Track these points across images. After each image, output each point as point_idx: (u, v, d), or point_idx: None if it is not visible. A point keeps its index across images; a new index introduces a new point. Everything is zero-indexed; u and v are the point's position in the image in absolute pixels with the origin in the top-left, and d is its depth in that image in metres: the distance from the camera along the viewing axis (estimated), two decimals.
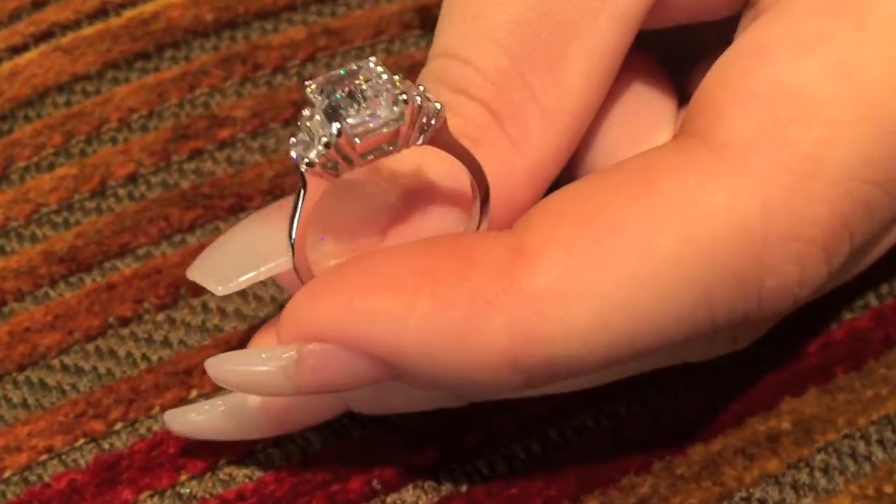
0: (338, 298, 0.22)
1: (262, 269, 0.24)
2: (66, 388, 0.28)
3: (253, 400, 0.26)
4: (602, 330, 0.22)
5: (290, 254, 0.23)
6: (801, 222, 0.22)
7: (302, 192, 0.22)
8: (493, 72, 0.24)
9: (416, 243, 0.23)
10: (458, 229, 0.24)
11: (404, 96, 0.22)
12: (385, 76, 0.22)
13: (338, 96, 0.22)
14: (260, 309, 0.29)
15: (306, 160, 0.22)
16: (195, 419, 0.26)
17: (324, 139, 0.22)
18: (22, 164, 0.31)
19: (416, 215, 0.24)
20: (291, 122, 0.32)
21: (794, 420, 0.28)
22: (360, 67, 0.22)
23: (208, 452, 0.27)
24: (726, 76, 0.24)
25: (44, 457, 0.27)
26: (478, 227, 0.24)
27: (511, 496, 0.27)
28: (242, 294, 0.29)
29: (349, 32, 0.34)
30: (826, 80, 0.23)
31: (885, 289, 0.30)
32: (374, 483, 0.27)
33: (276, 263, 0.24)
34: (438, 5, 0.25)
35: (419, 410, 0.27)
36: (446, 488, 0.27)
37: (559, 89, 0.24)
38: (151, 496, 0.27)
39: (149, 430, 0.28)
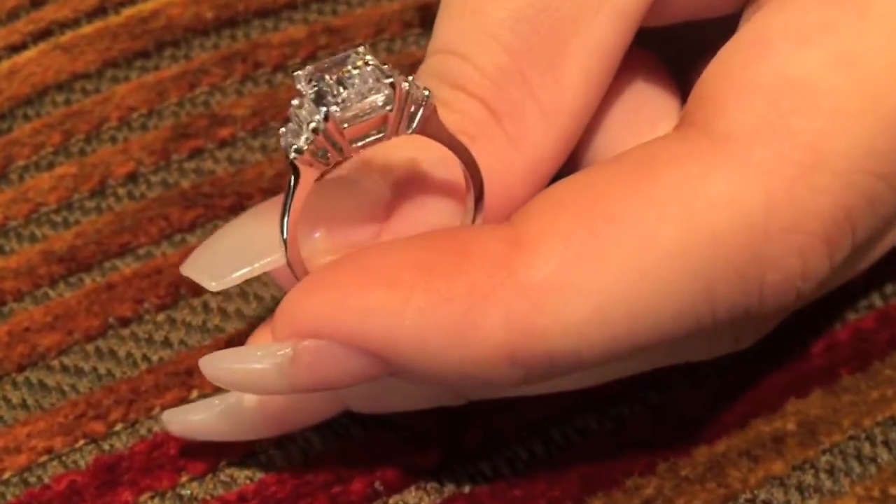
0: (332, 294, 0.22)
1: (256, 264, 0.24)
2: (66, 388, 0.28)
3: (250, 400, 0.26)
4: (601, 324, 0.22)
5: (283, 249, 0.23)
6: (804, 214, 0.22)
7: (292, 183, 0.22)
8: (491, 68, 0.24)
9: (411, 238, 0.23)
10: (453, 221, 0.24)
11: (391, 80, 0.22)
12: (373, 63, 0.22)
13: (325, 83, 0.22)
14: (261, 309, 0.29)
15: (295, 147, 0.22)
16: (193, 419, 0.26)
17: (311, 125, 0.22)
18: (21, 163, 0.31)
19: (409, 208, 0.24)
20: None
21: (799, 421, 0.28)
22: (348, 56, 0.22)
23: (209, 454, 0.27)
24: (728, 67, 0.24)
25: (43, 458, 0.27)
26: (472, 221, 0.24)
27: (514, 498, 0.27)
28: (243, 294, 0.29)
29: (350, 31, 0.34)
30: (829, 71, 0.23)
31: (889, 289, 0.30)
32: (377, 484, 0.27)
33: (270, 259, 0.24)
34: (439, 3, 0.25)
35: (418, 408, 0.27)
36: (449, 489, 0.27)
37: (558, 86, 0.24)
38: (152, 498, 0.27)
39: (149, 431, 0.27)
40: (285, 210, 0.23)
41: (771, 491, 0.27)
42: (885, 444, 0.27)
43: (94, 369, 0.28)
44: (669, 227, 0.22)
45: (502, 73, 0.24)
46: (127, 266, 0.30)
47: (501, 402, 0.27)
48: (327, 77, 0.22)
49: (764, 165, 0.22)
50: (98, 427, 0.28)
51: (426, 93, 0.22)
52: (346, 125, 0.22)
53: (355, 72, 0.22)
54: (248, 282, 0.29)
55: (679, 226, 0.22)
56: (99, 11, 0.34)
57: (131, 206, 0.31)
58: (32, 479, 0.27)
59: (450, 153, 0.23)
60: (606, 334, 0.22)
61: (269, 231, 0.23)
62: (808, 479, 0.27)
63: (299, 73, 0.22)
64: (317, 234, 0.24)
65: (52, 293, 0.29)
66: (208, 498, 0.27)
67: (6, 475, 0.27)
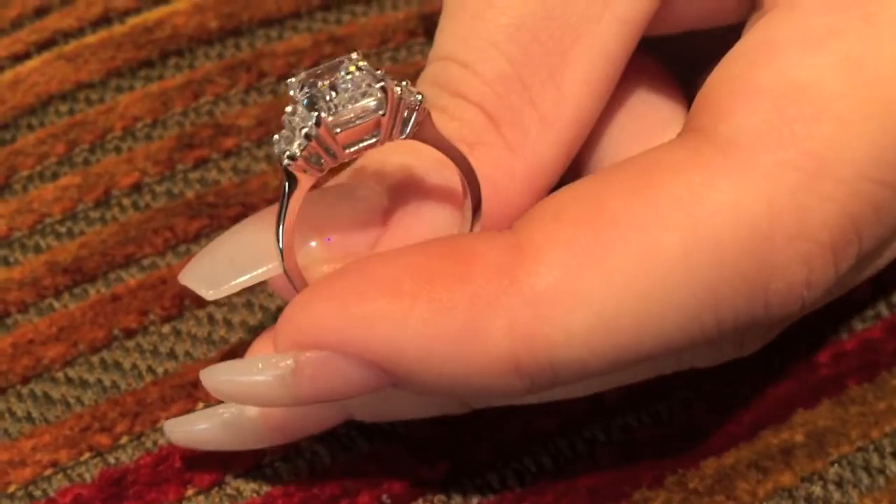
0: (334, 304, 0.22)
1: (253, 273, 0.24)
2: (71, 401, 0.28)
3: (253, 409, 0.26)
4: (605, 333, 0.22)
5: (280, 258, 0.23)
6: (809, 222, 0.22)
7: (287, 191, 0.22)
8: (491, 76, 0.24)
9: (412, 246, 0.23)
10: (451, 228, 0.24)
11: (383, 84, 0.22)
12: (365, 69, 0.22)
13: (318, 88, 0.22)
14: (267, 320, 0.29)
15: (288, 153, 0.22)
16: (196, 429, 0.26)
17: (304, 130, 0.22)
18: (25, 173, 0.31)
19: (406, 215, 0.24)
20: None
21: (807, 432, 0.28)
22: (341, 62, 0.22)
23: (215, 466, 0.27)
24: (732, 72, 0.23)
25: (49, 471, 0.27)
26: (471, 228, 0.24)
27: None
28: (249, 305, 0.29)
29: (354, 40, 0.33)
30: (835, 77, 0.23)
31: None
32: (384, 497, 0.27)
33: (268, 268, 0.24)
34: None
35: (422, 417, 0.27)
36: (456, 502, 0.27)
37: (559, 94, 0.24)
38: None
39: (155, 443, 0.27)
40: (280, 218, 0.23)
41: (780, 503, 0.27)
42: (894, 455, 0.27)
43: (100, 381, 0.28)
44: (673, 234, 0.22)
45: (502, 81, 0.24)
46: (132, 277, 0.30)
47: (511, 417, 0.27)
48: (320, 83, 0.22)
49: (768, 172, 0.22)
50: (103, 440, 0.27)
51: (419, 97, 0.22)
52: (338, 130, 0.22)
53: (348, 77, 0.22)
54: (252, 292, 0.29)
55: (683, 233, 0.22)
56: (103, 21, 0.34)
57: (136, 216, 0.30)
58: (38, 493, 0.27)
59: (447, 160, 0.23)
60: (610, 343, 0.22)
61: (266, 239, 0.23)
62: (817, 490, 0.27)
63: (292, 79, 0.22)
64: (313, 243, 0.24)
65: (56, 304, 0.29)
66: None
67: (11, 489, 0.27)
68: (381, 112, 0.22)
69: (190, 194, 0.31)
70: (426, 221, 0.24)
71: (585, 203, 0.23)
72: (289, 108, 0.22)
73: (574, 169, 0.26)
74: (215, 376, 0.23)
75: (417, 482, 0.27)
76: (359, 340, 0.22)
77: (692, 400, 0.28)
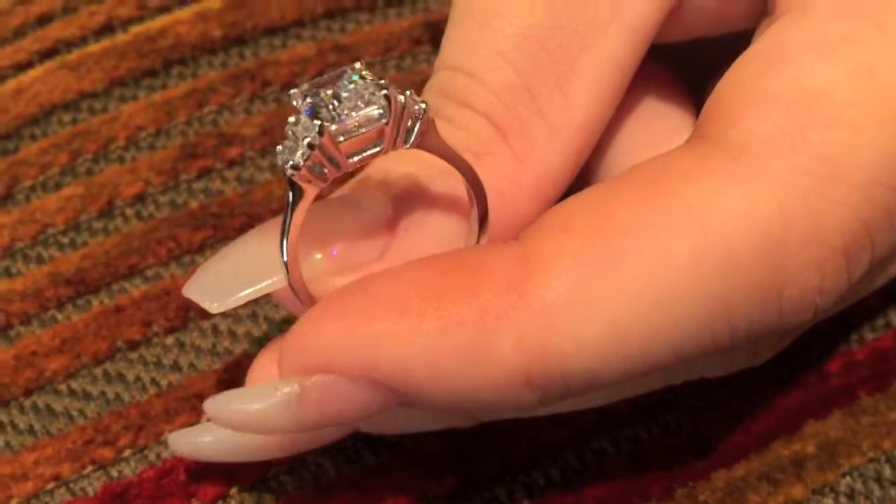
0: (339, 325, 0.22)
1: (258, 286, 0.23)
2: (74, 413, 0.28)
3: None
4: (617, 343, 0.22)
5: (285, 271, 0.23)
6: (822, 227, 0.22)
7: (291, 202, 0.22)
8: (498, 85, 0.24)
9: (417, 262, 0.23)
10: (457, 236, 0.24)
11: (386, 92, 0.22)
12: (369, 78, 0.22)
13: (320, 98, 0.22)
14: (271, 331, 0.29)
15: (291, 163, 0.22)
16: (200, 441, 0.26)
17: (307, 139, 0.22)
18: (28, 183, 0.31)
19: (412, 227, 0.24)
20: None
21: (818, 444, 0.27)
22: (344, 71, 0.22)
23: (220, 480, 0.27)
24: (743, 78, 0.23)
25: (51, 485, 0.27)
26: (477, 239, 0.24)
27: None
28: (253, 316, 0.29)
29: (359, 48, 0.33)
30: (848, 83, 0.22)
31: None
32: None
33: (272, 281, 0.23)
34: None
35: (428, 430, 0.26)
36: None
37: (567, 103, 0.24)
38: None
39: (158, 457, 0.27)
40: (284, 230, 0.22)
41: None
42: None
43: (103, 393, 0.28)
44: (684, 242, 0.22)
45: (509, 91, 0.24)
46: (135, 288, 0.29)
47: (519, 430, 0.27)
48: (322, 92, 0.22)
49: (780, 177, 0.22)
50: (106, 453, 0.27)
51: (423, 106, 0.22)
52: (342, 139, 0.22)
53: (351, 86, 0.22)
54: (257, 303, 0.29)
55: (693, 241, 0.22)
56: (106, 30, 0.34)
57: (139, 226, 0.30)
58: None
59: (453, 169, 0.23)
60: (622, 353, 0.22)
61: (270, 251, 0.23)
62: (828, 503, 0.27)
63: (295, 90, 0.22)
64: (318, 255, 0.24)
65: (59, 316, 0.29)
66: None
67: (13, 503, 0.27)
68: (384, 121, 0.22)
69: (194, 204, 0.31)
70: (432, 232, 0.24)
71: (593, 212, 0.22)
72: (292, 119, 0.22)
73: (583, 177, 0.26)
74: (219, 406, 0.23)
75: (424, 496, 0.27)
76: (366, 362, 0.22)
77: (702, 410, 0.28)
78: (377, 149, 0.22)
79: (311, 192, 0.22)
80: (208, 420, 0.27)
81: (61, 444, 0.27)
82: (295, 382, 0.22)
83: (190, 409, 0.28)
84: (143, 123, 0.32)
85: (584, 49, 0.24)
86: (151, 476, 0.27)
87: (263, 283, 0.23)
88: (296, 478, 0.27)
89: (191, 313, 0.29)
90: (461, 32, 0.25)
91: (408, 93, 0.22)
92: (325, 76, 0.22)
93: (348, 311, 0.22)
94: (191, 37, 0.33)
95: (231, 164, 0.31)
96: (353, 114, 0.22)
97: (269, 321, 0.29)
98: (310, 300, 0.23)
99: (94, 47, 0.33)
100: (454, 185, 0.23)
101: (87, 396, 0.28)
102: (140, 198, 0.31)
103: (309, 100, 0.22)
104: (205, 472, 0.27)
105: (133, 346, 0.29)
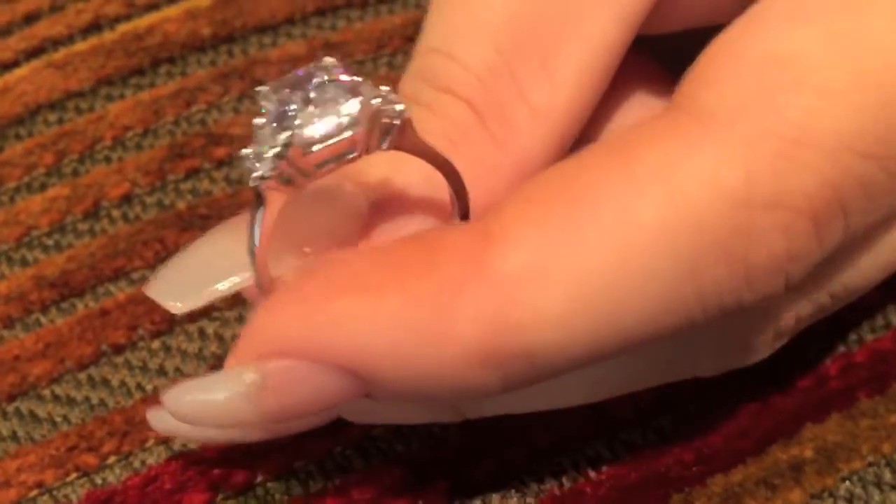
0: (297, 308, 0.21)
1: (224, 284, 0.23)
2: (58, 419, 0.28)
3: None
4: (581, 313, 0.21)
5: (253, 270, 0.22)
6: (787, 190, 0.22)
7: (258, 209, 0.21)
8: (479, 66, 0.23)
9: (377, 244, 0.22)
10: None
11: (360, 99, 0.21)
12: (341, 79, 0.21)
13: (288, 102, 0.21)
14: None
15: (256, 175, 0.21)
16: (174, 426, 0.24)
17: (273, 150, 0.21)
18: (12, 184, 0.31)
19: (388, 226, 0.23)
20: None
21: (816, 448, 0.27)
22: (314, 72, 0.21)
23: (206, 487, 0.27)
24: (718, 45, 0.23)
25: (34, 492, 0.27)
26: None
27: None
28: (241, 320, 0.29)
29: (350, 46, 0.33)
30: (821, 47, 0.22)
31: None
32: None
33: (240, 279, 0.23)
34: None
35: (411, 422, 0.26)
36: None
37: (551, 86, 0.23)
38: None
39: (143, 463, 0.27)
40: (252, 235, 0.22)
41: None
42: None
43: (87, 399, 0.28)
44: (649, 205, 0.21)
45: (491, 72, 0.23)
46: (121, 291, 0.29)
47: (511, 432, 0.26)
48: (291, 97, 0.21)
49: (747, 140, 0.22)
50: (90, 460, 0.27)
51: (399, 108, 0.21)
52: (312, 148, 0.21)
53: (321, 90, 0.21)
54: (246, 306, 0.29)
55: (659, 203, 0.21)
56: (93, 28, 0.33)
57: (126, 228, 0.30)
58: None
59: (433, 168, 0.22)
60: (588, 325, 0.21)
61: (237, 248, 0.23)
62: None
63: (263, 88, 0.21)
64: (288, 254, 0.23)
65: (43, 320, 0.29)
66: None
67: None
68: (356, 129, 0.21)
69: (181, 205, 0.31)
70: (409, 231, 0.23)
71: (557, 181, 0.22)
72: (258, 121, 0.21)
73: None
74: (179, 397, 0.23)
75: (415, 503, 0.26)
76: (325, 344, 0.21)
77: (698, 414, 0.28)
78: (350, 155, 0.21)
79: (279, 197, 0.21)
80: None
81: (45, 451, 0.27)
82: (254, 369, 0.22)
83: None
84: (130, 123, 0.32)
85: (571, 29, 0.24)
86: (136, 483, 0.27)
87: (230, 281, 0.23)
88: (283, 485, 0.27)
89: (177, 316, 0.29)
90: (442, 13, 0.24)
91: (385, 91, 0.21)
92: (294, 75, 0.21)
93: (305, 293, 0.22)
94: (179, 35, 0.33)
95: (219, 164, 0.31)
96: (323, 123, 0.21)
97: None
98: None
99: (81, 46, 0.33)
100: (433, 183, 0.23)
101: (71, 402, 0.28)
102: (126, 199, 0.31)
103: (276, 106, 0.21)
104: (190, 479, 0.27)
105: (118, 350, 0.29)
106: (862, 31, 0.22)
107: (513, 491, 0.27)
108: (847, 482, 0.27)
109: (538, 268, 0.21)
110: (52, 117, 0.32)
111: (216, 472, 0.26)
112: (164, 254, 0.30)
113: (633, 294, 0.21)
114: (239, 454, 0.27)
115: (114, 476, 0.27)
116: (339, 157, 0.21)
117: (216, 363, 0.28)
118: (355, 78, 0.21)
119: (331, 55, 0.32)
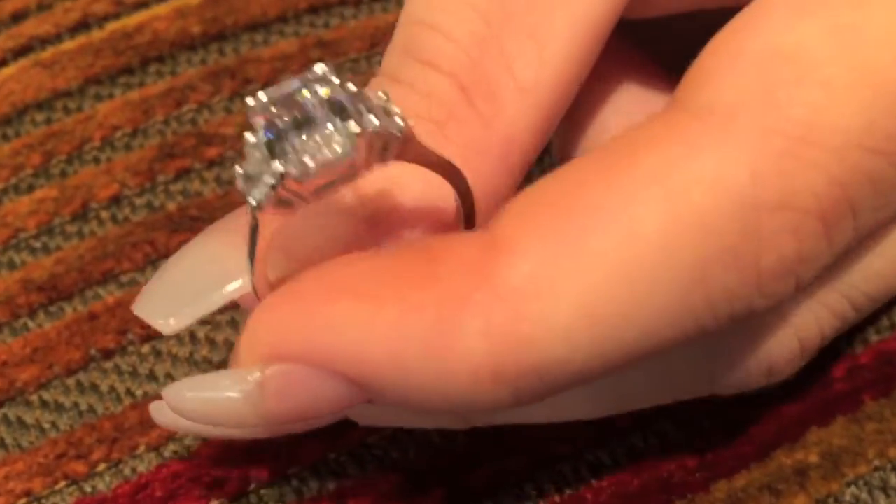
0: (296, 310, 0.21)
1: (218, 297, 0.22)
2: (46, 426, 0.28)
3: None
4: (589, 325, 0.21)
5: (249, 280, 0.22)
6: (794, 190, 0.21)
7: (254, 225, 0.21)
8: (465, 38, 0.23)
9: (380, 250, 0.22)
10: None
11: (357, 121, 0.20)
12: (334, 98, 0.20)
13: (280, 127, 0.20)
14: None
15: (253, 201, 0.20)
16: (173, 420, 0.24)
17: (268, 179, 0.20)
18: None
19: (390, 238, 0.23)
20: None
21: (821, 452, 0.27)
22: (307, 81, 0.20)
23: (198, 494, 0.26)
24: (718, 41, 0.23)
25: (22, 501, 0.27)
26: None
27: None
28: (232, 323, 0.29)
29: (343, 44, 0.33)
30: (824, 43, 0.22)
31: None
32: None
33: (234, 288, 0.22)
34: None
35: (417, 426, 0.26)
36: None
37: (539, 60, 0.23)
38: None
39: (133, 471, 0.27)
40: (251, 254, 0.21)
41: None
42: None
43: (76, 405, 0.28)
44: (652, 211, 0.21)
45: (477, 44, 0.23)
46: (110, 294, 0.29)
47: (510, 438, 0.26)
48: (283, 116, 0.20)
49: (750, 139, 0.21)
50: (79, 467, 0.27)
51: (399, 126, 0.20)
52: (308, 175, 0.20)
53: (314, 110, 0.20)
54: (236, 310, 0.28)
55: (663, 209, 0.21)
56: (81, 26, 0.33)
57: (115, 230, 0.30)
58: None
59: (436, 175, 0.22)
60: (596, 337, 0.21)
61: (228, 252, 0.22)
62: None
63: (251, 101, 0.20)
64: (285, 264, 0.22)
65: (31, 324, 0.29)
66: None
67: None
68: (354, 154, 0.20)
69: (171, 207, 0.30)
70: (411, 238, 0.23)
71: (560, 190, 0.22)
72: (251, 138, 0.20)
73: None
74: (180, 392, 0.22)
75: None
76: (324, 348, 0.21)
77: (700, 418, 0.27)
78: (350, 176, 0.21)
79: (276, 219, 0.21)
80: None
81: (33, 458, 0.27)
82: (256, 370, 0.21)
83: None
84: (119, 123, 0.32)
85: (561, 1, 0.23)
86: (126, 491, 0.27)
87: (223, 294, 0.22)
88: (277, 491, 0.27)
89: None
90: None
91: (382, 103, 0.20)
92: (285, 92, 0.20)
93: (304, 295, 0.21)
94: (169, 33, 0.33)
95: (210, 164, 0.31)
96: (319, 154, 0.20)
97: None
98: None
99: (69, 45, 0.33)
100: (439, 189, 0.22)
101: (60, 408, 0.28)
102: (116, 200, 0.31)
103: (267, 132, 0.20)
104: (181, 487, 0.27)
105: (107, 355, 0.28)
106: (866, 25, 0.22)
107: (511, 498, 0.27)
108: (853, 487, 0.27)
109: (544, 280, 0.21)
110: (40, 117, 0.32)
111: (208, 479, 0.26)
112: (154, 256, 0.30)
113: (640, 303, 0.21)
114: (231, 460, 0.27)
115: (103, 484, 0.27)
116: (338, 180, 0.20)
117: (207, 368, 0.28)
118: (350, 87, 0.20)
119: (324, 54, 0.33)
